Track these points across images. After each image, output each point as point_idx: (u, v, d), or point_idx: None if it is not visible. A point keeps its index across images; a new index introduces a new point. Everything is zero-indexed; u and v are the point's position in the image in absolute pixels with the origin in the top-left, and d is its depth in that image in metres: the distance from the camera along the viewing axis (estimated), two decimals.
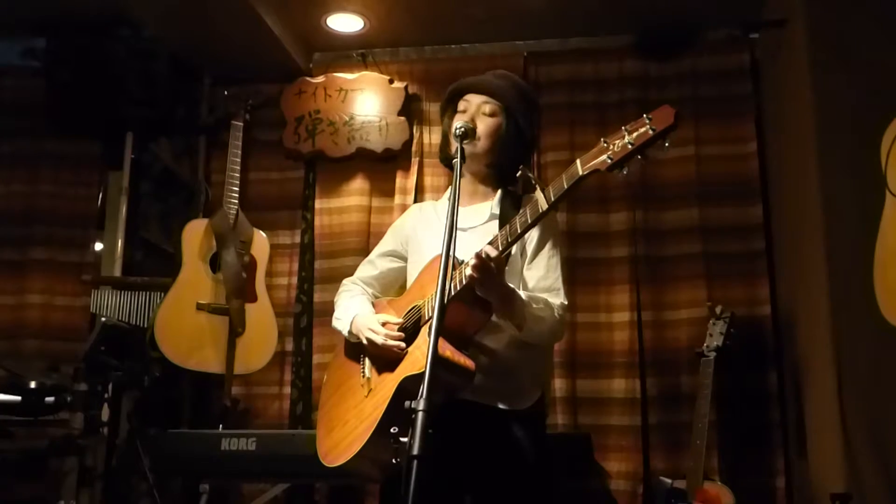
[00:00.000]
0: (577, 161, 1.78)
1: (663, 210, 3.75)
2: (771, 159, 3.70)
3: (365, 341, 2.10)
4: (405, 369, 1.94)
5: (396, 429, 1.48)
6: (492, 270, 1.85)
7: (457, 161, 1.94)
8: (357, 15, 3.84)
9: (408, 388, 1.85)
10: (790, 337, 3.44)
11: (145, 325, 3.44)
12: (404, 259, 2.36)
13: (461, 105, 2.22)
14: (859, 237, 2.72)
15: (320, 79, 4.11)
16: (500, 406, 2.05)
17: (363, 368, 2.16)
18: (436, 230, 2.18)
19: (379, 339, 2.04)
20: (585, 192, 3.73)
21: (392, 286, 2.43)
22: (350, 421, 2.06)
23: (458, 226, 2.03)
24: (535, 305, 2.01)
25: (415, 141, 4.01)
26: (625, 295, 3.66)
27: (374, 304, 2.31)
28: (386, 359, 2.05)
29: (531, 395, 2.11)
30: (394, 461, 1.46)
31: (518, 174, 1.97)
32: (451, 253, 1.69)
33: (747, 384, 3.50)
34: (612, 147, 1.72)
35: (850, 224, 2.76)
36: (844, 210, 2.79)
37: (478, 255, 1.85)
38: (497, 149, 2.18)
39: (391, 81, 4.05)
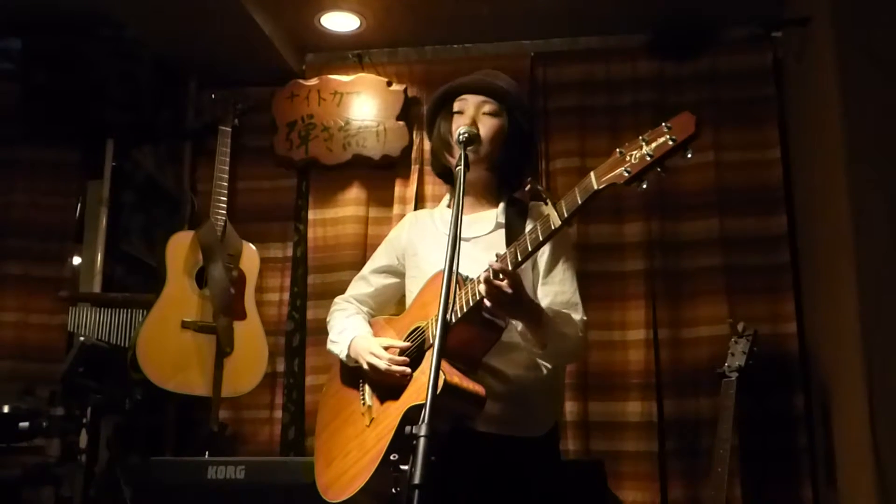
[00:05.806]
0: (592, 174, 1.77)
1: (681, 220, 3.75)
2: (795, 166, 3.70)
3: (366, 366, 2.08)
4: (410, 398, 1.92)
5: (396, 456, 1.47)
6: (507, 294, 1.83)
7: (460, 169, 1.92)
8: (353, 13, 3.84)
9: (413, 418, 1.82)
10: (817, 356, 3.43)
11: (126, 345, 3.44)
12: (400, 275, 2.34)
13: (457, 105, 2.20)
14: (892, 249, 2.71)
15: (314, 81, 4.12)
16: (514, 435, 2.03)
17: (363, 395, 2.14)
18: (436, 240, 2.17)
19: (382, 365, 2.02)
20: (598, 202, 3.69)
21: (388, 304, 2.41)
22: (352, 452, 2.04)
23: (461, 236, 2.02)
24: (558, 321, 2.00)
25: (414, 147, 4.01)
26: (640, 311, 3.65)
27: (371, 324, 2.30)
28: (388, 385, 2.03)
29: (547, 422, 2.11)
30: (393, 490, 1.45)
31: (527, 188, 1.97)
32: (453, 272, 1.67)
33: (772, 407, 3.48)
34: (629, 158, 1.69)
35: (882, 235, 2.75)
36: (876, 220, 2.79)
37: (487, 282, 1.82)
38: (500, 152, 2.17)
39: (389, 84, 4.06)
